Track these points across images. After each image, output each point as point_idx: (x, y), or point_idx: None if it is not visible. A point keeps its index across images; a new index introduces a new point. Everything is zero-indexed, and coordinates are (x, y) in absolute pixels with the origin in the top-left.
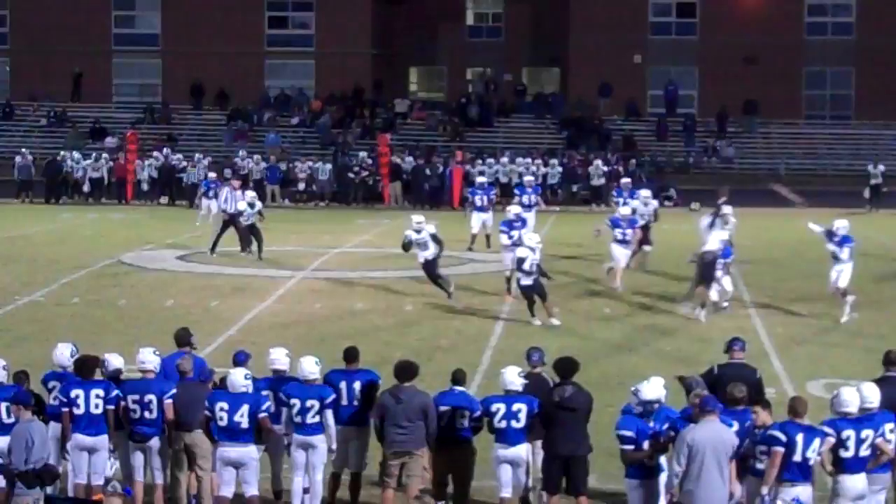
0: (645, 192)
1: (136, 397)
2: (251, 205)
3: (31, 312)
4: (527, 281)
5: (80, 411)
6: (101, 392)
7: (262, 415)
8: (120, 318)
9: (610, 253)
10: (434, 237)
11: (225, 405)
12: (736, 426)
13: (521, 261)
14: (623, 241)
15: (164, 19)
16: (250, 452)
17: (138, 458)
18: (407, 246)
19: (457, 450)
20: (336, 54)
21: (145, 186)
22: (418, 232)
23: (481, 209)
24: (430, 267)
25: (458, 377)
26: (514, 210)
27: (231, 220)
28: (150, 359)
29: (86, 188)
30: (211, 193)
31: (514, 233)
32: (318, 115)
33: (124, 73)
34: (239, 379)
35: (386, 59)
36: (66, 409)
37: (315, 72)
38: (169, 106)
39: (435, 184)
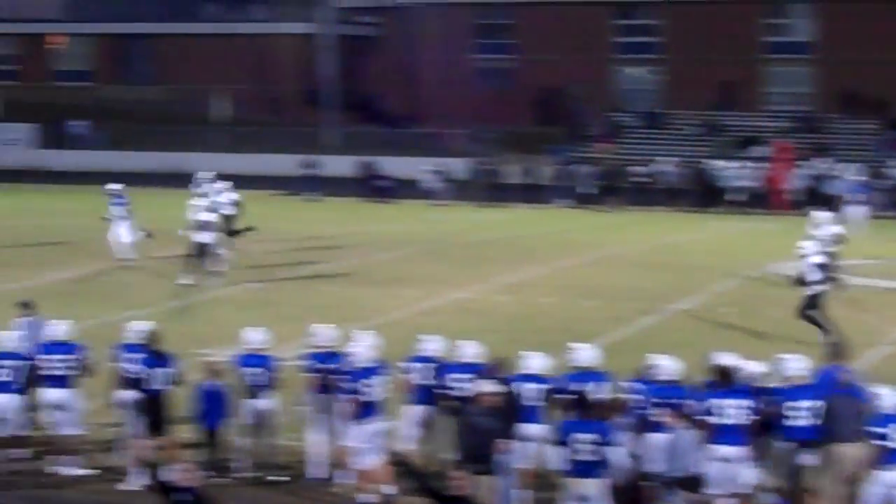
0: None
1: (785, 404)
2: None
3: (679, 321)
4: None
5: (719, 420)
6: (743, 402)
7: None
8: (767, 329)
9: None
10: (821, 266)
11: None
12: None
13: None
14: None
15: (817, 27)
16: None
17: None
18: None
19: None
20: None
21: (796, 196)
22: (802, 259)
23: None
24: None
25: None
26: None
27: None
28: (800, 366)
29: (736, 197)
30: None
31: None
32: None
33: (776, 81)
34: None
35: None
36: (703, 418)
37: None
38: (822, 115)
39: None
